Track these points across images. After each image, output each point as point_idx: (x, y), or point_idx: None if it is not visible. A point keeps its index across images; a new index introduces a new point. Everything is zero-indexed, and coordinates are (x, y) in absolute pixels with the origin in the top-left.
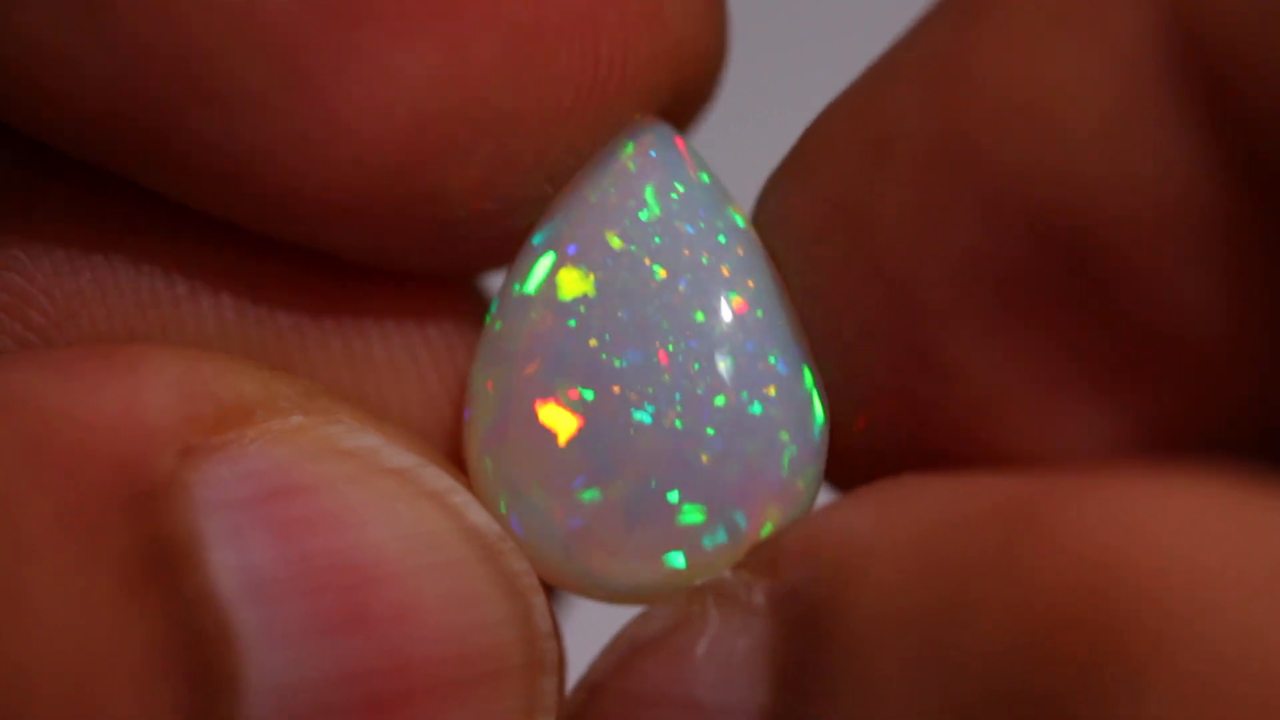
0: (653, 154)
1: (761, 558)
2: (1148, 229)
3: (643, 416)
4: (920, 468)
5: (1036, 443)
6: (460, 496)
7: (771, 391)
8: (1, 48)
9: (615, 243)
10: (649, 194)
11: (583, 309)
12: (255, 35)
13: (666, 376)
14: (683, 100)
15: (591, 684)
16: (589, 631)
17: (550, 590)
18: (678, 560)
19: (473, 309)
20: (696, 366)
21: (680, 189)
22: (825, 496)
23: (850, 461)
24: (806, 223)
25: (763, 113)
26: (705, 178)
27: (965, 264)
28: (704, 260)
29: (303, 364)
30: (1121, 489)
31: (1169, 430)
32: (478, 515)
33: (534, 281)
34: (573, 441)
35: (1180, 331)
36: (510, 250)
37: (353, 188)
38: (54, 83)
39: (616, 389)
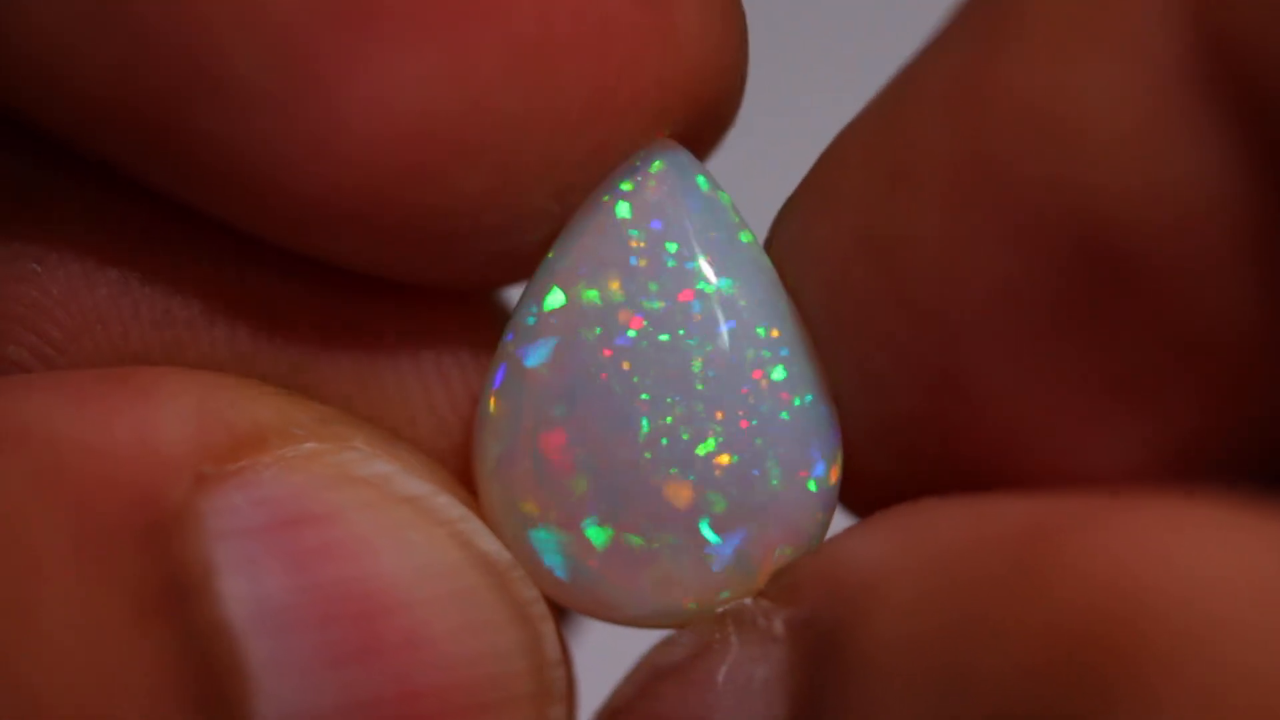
0: (664, 178)
1: (781, 585)
2: (1182, 240)
3: (653, 452)
4: (946, 493)
5: (1067, 465)
6: (472, 525)
7: (784, 423)
8: (10, 35)
9: (624, 270)
10: (659, 219)
11: (592, 339)
12: (261, 30)
13: (677, 410)
14: (700, 122)
15: (614, 709)
16: (602, 657)
17: (562, 616)
18: (686, 593)
19: (486, 330)
20: (709, 409)
21: (691, 214)
22: (849, 523)
23: (876, 487)
24: (830, 252)
25: (777, 131)
26: (717, 205)
27: (997, 287)
28: (715, 289)
29: (313, 384)
30: (1138, 511)
31: (1200, 451)
32: (489, 544)
33: (544, 308)
34: (581, 477)
35: (1216, 344)
36: (526, 264)
37: (356, 191)
38: (61, 71)
39: (627, 429)
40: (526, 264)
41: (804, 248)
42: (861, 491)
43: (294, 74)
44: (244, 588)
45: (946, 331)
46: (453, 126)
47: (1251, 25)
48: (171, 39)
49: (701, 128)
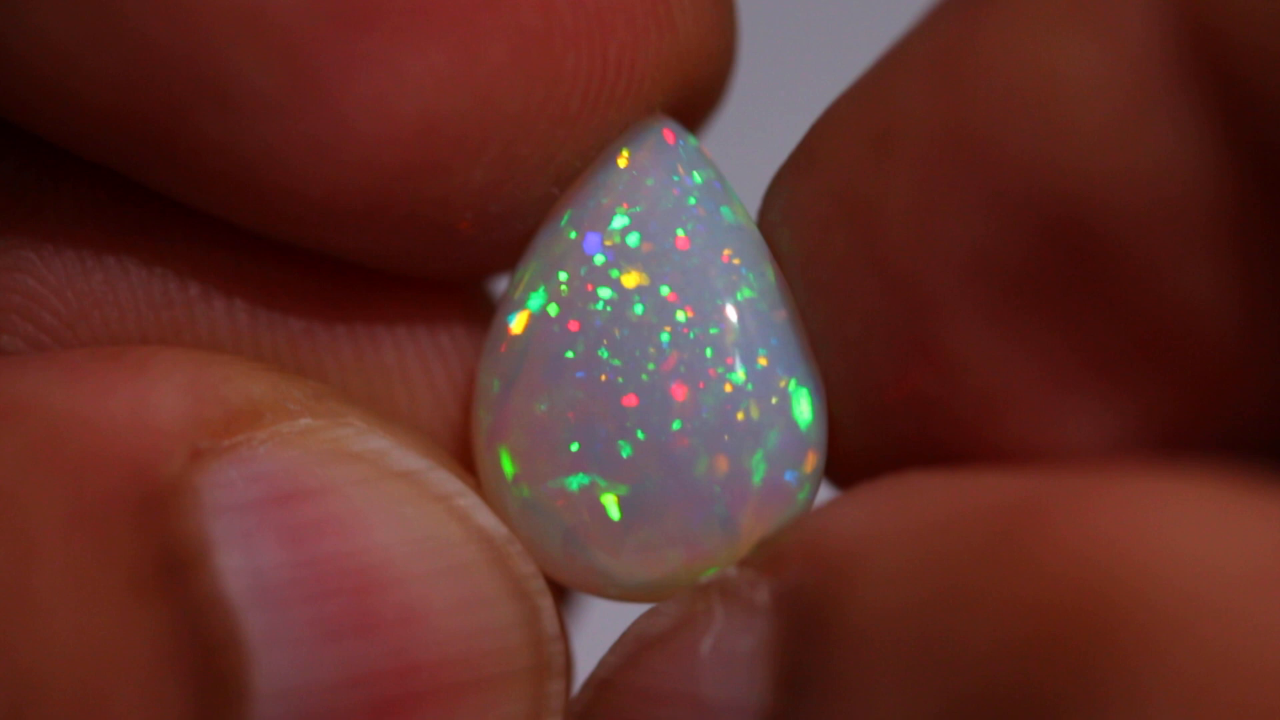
0: (653, 152)
1: (765, 556)
2: (1155, 222)
3: (640, 416)
4: (925, 464)
5: (1042, 438)
6: (468, 499)
7: (770, 391)
8: (12, 44)
9: (614, 242)
10: (648, 192)
11: (583, 309)
12: (263, 36)
13: (665, 377)
14: (692, 101)
15: (600, 680)
16: (598, 633)
17: (559, 593)
18: (675, 558)
19: (481, 311)
20: (694, 367)
21: (679, 187)
22: (828, 494)
23: (854, 458)
24: (811, 218)
25: (771, 110)
26: (703, 176)
27: (971, 258)
28: (702, 260)
29: (313, 367)
30: (1125, 487)
31: (1175, 427)
32: (485, 518)
33: (534, 280)
34: (572, 440)
35: (1187, 326)
36: (516, 255)
37: (360, 190)
38: (62, 79)
39: (615, 389)
40: (521, 252)
41: (788, 212)
42: (845, 466)
43: (298, 79)
44: (240, 562)
45: (920, 298)
46: (457, 124)
47: (1231, 13)
48: (174, 48)
49: (695, 105)
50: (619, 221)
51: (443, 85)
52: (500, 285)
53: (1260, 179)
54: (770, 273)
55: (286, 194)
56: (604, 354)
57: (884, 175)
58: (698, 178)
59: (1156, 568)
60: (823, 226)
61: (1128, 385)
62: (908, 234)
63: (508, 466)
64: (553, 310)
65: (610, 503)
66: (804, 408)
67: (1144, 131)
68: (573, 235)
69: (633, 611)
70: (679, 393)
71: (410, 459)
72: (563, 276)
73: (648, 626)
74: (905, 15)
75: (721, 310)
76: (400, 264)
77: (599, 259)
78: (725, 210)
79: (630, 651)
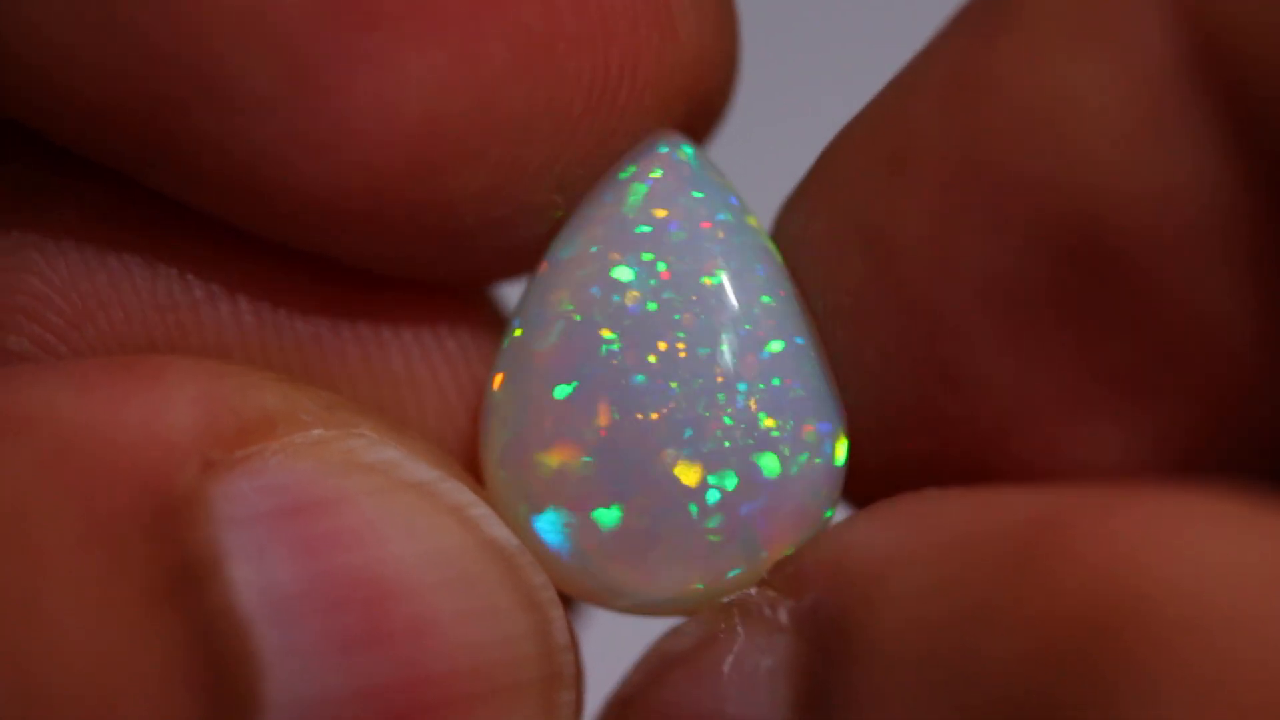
0: (668, 165)
1: (785, 575)
2: (1173, 240)
3: (660, 438)
4: (943, 485)
5: (1061, 459)
6: (479, 510)
7: (790, 413)
8: (9, 42)
9: (630, 256)
10: (665, 206)
11: (597, 322)
12: (263, 36)
13: (684, 396)
14: (697, 112)
15: (624, 698)
16: (610, 646)
17: (569, 604)
18: (691, 576)
19: (490, 319)
20: (714, 387)
21: (697, 203)
22: (845, 514)
23: (872, 479)
24: (827, 243)
25: (782, 128)
26: (720, 193)
27: (989, 279)
28: (720, 273)
29: (321, 371)
30: (1145, 503)
31: (1194, 446)
32: (497, 529)
33: (550, 293)
34: (591, 461)
35: (1206, 344)
36: (527, 260)
37: (360, 191)
38: (60, 77)
39: (634, 409)
40: (530, 258)
41: (802, 237)
42: (862, 484)
43: (296, 78)
44: (253, 574)
45: (938, 321)
46: (459, 125)
47: (1243, 30)
48: (172, 46)
49: (698, 117)
50: (637, 239)
51: (443, 86)
52: (507, 291)
53: (1275, 194)
54: (791, 294)
55: (285, 194)
56: (622, 376)
57: (900, 200)
58: (717, 194)
59: (1173, 578)
60: (838, 252)
61: (1145, 404)
62: (924, 257)
63: (520, 484)
64: (570, 328)
65: (625, 521)
66: (826, 431)
67: (1160, 151)
68: (585, 254)
69: (645, 624)
70: (697, 414)
71: (422, 470)
72: (574, 298)
73: (671, 645)
74: (909, 23)
75: (746, 332)
76: (403, 268)
77: (618, 279)
78: (744, 231)
79: (654, 670)
